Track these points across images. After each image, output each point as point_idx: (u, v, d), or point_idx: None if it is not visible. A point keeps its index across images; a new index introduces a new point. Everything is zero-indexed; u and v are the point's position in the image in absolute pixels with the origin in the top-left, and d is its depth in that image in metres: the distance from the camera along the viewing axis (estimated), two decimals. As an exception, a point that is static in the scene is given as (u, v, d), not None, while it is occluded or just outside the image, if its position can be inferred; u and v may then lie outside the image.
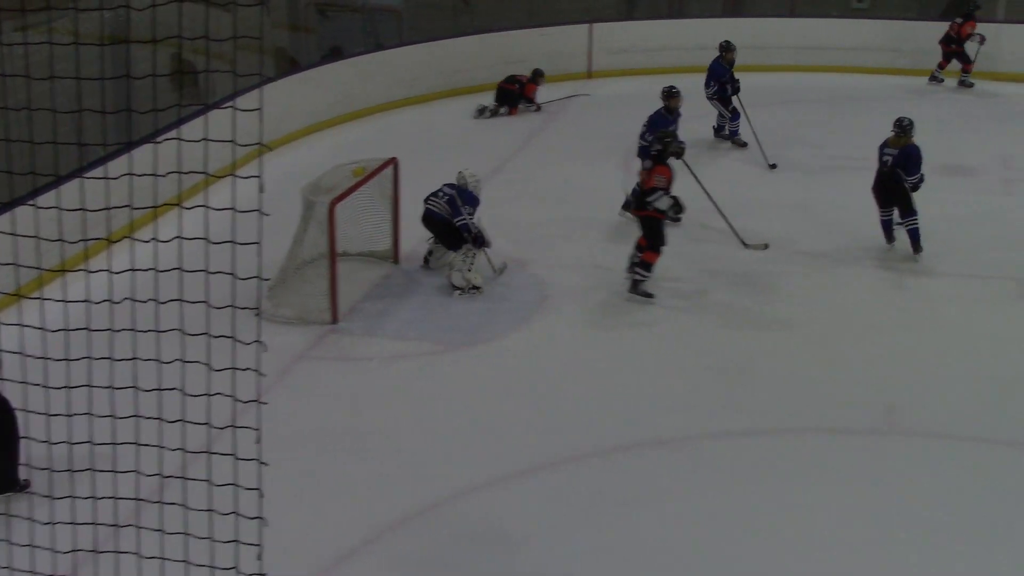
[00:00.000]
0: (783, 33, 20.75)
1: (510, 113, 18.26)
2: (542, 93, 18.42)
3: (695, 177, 12.75)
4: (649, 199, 11.51)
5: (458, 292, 11.82)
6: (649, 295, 11.66)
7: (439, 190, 12.07)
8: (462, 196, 11.92)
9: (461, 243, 11.89)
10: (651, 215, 11.58)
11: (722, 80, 16.40)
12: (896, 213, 12.60)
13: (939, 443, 9.54)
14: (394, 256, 12.61)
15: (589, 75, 20.05)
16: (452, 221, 11.87)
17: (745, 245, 12.92)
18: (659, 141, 11.95)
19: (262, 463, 4.71)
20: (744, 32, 20.56)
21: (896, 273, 12.56)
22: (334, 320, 11.31)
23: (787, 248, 13.06)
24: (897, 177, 12.31)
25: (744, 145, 16.40)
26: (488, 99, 18.19)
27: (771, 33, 20.71)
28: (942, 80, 19.77)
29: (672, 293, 11.97)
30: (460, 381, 10.44)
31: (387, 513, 8.44)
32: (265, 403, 4.83)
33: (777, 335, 11.29)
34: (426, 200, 12.09)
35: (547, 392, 10.27)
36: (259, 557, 4.66)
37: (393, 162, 12.44)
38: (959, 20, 19.36)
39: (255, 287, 5.29)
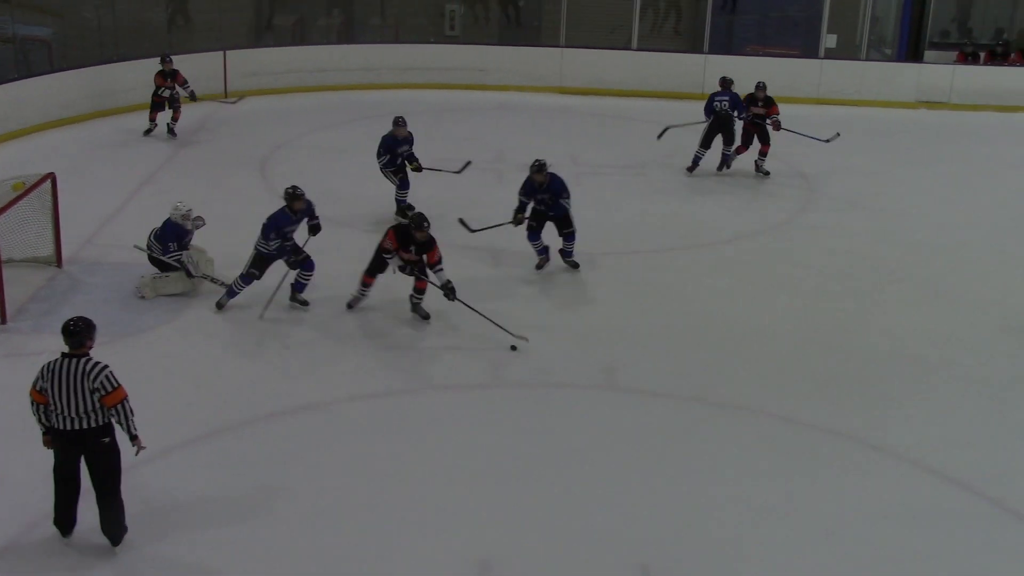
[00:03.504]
0: (389, 57, 20.97)
1: (174, 118, 16.93)
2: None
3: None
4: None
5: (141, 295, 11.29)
6: (427, 316, 11.03)
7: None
8: (165, 229, 11.33)
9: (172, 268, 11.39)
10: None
11: (393, 151, 13.63)
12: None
13: (536, 391, 9.95)
14: (57, 261, 11.97)
15: (226, 95, 19.62)
16: (163, 257, 11.33)
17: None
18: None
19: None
20: (356, 56, 20.76)
21: (487, 253, 12.84)
22: (3, 320, 10.64)
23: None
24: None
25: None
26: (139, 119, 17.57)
27: (379, 57, 20.89)
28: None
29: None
30: (123, 367, 9.95)
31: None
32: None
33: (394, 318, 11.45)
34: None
35: (202, 371, 10.01)
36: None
37: (51, 176, 11.85)
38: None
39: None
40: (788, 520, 8.08)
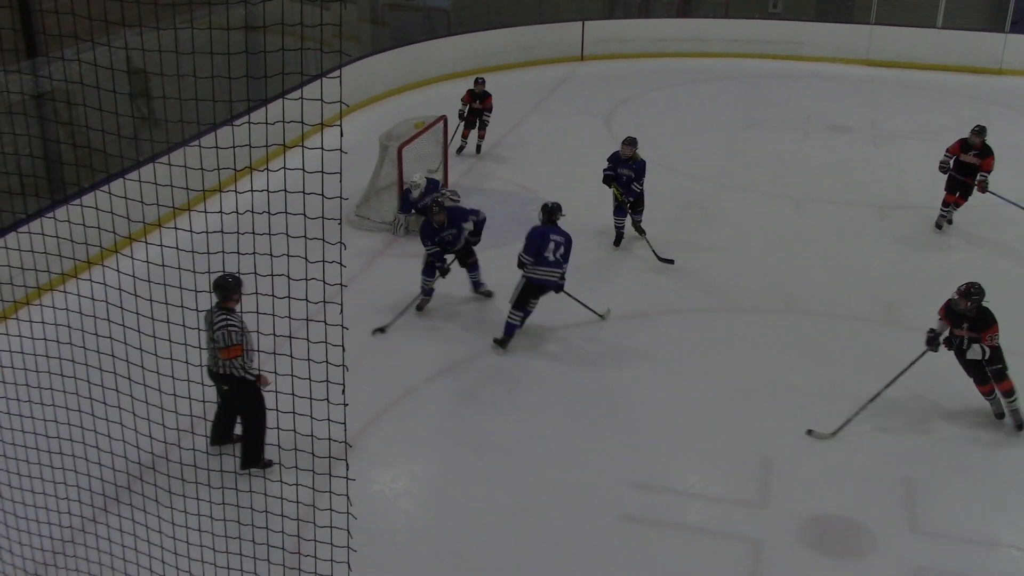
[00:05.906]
0: (719, 29, 20.30)
1: (481, 136, 14.08)
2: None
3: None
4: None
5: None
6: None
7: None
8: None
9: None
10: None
11: (616, 169, 10.81)
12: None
13: (822, 320, 9.51)
14: (444, 186, 12.45)
15: (582, 58, 19.70)
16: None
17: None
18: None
19: (344, 328, 4.61)
20: (689, 29, 20.23)
21: (790, 200, 12.38)
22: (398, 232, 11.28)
23: (720, 182, 12.92)
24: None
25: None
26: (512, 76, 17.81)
27: (711, 29, 20.26)
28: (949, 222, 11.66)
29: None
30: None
31: (438, 359, 8.58)
32: (345, 286, 4.72)
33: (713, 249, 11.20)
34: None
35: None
36: (343, 392, 4.60)
37: (443, 119, 12.39)
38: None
39: (340, 205, 5.18)
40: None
